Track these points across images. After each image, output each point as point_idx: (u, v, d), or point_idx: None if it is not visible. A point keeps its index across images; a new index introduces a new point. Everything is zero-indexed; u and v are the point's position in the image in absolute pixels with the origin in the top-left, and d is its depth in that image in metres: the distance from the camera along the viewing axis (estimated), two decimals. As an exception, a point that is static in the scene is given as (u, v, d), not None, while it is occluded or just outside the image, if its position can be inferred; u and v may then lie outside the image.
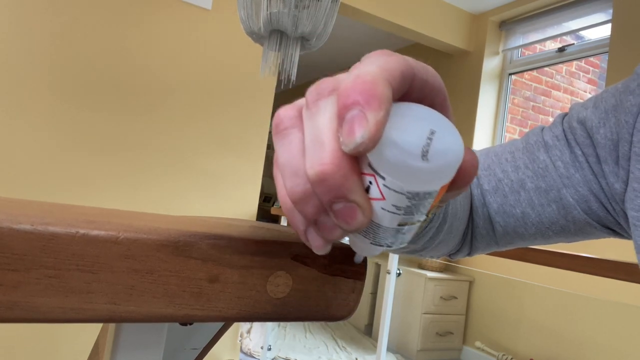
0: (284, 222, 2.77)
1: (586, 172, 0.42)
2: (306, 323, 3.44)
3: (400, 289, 3.23)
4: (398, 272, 2.03)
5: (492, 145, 3.48)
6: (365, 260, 0.34)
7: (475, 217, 0.48)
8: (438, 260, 3.28)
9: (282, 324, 3.33)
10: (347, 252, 0.33)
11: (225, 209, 2.41)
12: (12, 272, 0.23)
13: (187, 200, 2.31)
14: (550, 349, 2.67)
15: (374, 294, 3.48)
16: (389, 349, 3.10)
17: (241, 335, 2.76)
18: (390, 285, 1.99)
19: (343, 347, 3.03)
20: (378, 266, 3.50)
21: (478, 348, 3.13)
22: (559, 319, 2.64)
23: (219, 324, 0.56)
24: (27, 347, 1.96)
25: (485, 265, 3.17)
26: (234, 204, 2.44)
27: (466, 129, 3.51)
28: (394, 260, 1.99)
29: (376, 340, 3.30)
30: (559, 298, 2.65)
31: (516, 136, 3.60)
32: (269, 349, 2.60)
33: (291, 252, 0.30)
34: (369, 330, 3.46)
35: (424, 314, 3.06)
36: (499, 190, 0.47)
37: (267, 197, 6.05)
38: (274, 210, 2.95)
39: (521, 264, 2.76)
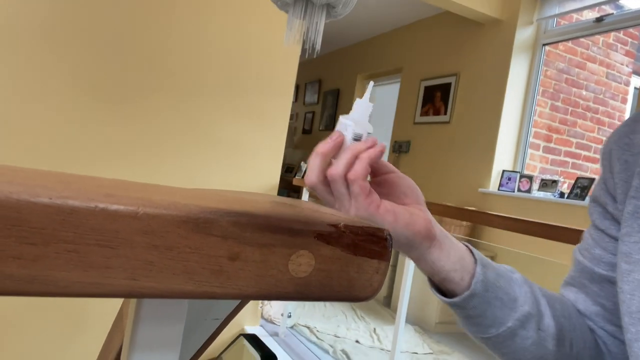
0: (305, 194, 2.78)
1: None
2: (326, 292, 3.50)
3: (420, 263, 3.23)
4: (419, 246, 2.02)
5: (520, 119, 3.38)
6: (390, 240, 0.33)
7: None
8: (459, 235, 3.26)
9: (302, 292, 3.39)
10: (372, 233, 0.32)
11: (247, 180, 2.42)
12: (30, 245, 0.22)
13: (207, 171, 2.33)
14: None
15: (394, 266, 3.49)
16: (407, 321, 3.12)
17: (262, 303, 2.82)
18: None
19: (362, 317, 3.07)
20: (399, 239, 3.49)
21: (497, 323, 3.13)
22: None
23: (240, 296, 0.55)
24: (57, 309, 2.05)
25: (507, 242, 3.14)
26: (256, 175, 2.45)
27: (494, 103, 3.41)
28: (415, 234, 1.98)
29: (395, 311, 3.33)
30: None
31: (547, 110, 3.48)
32: (289, 316, 2.66)
33: (314, 230, 0.29)
34: (388, 302, 3.49)
35: (444, 287, 3.06)
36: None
37: (289, 168, 6.06)
38: (295, 182, 2.96)
39: (544, 241, 2.72)
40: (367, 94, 0.46)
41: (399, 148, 4.34)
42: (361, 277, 0.31)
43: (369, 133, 0.45)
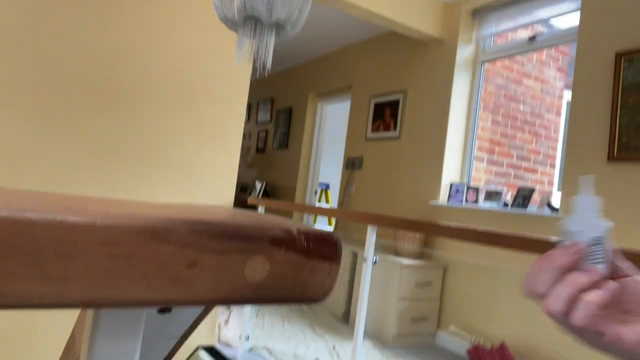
0: (260, 210, 2.77)
1: None
2: (284, 311, 3.47)
3: (376, 277, 3.28)
4: (374, 259, 2.06)
5: (465, 133, 3.54)
6: (339, 244, 0.35)
7: None
8: (413, 247, 3.34)
9: (259, 313, 3.34)
10: (323, 237, 0.34)
11: (202, 199, 2.39)
12: (-12, 259, 0.22)
13: (162, 191, 2.29)
14: (524, 332, 2.76)
15: (351, 282, 3.52)
16: (365, 336, 3.15)
17: (219, 326, 2.76)
18: (366, 273, 2.02)
19: (321, 334, 3.07)
20: (355, 255, 3.54)
21: (452, 332, 3.22)
22: (531, 302, 2.73)
23: (197, 311, 0.56)
24: (2, 337, 1.92)
25: (459, 251, 3.25)
26: (210, 194, 2.42)
27: (440, 118, 3.56)
28: (370, 248, 2.02)
29: (353, 327, 3.35)
30: (529, 281, 2.73)
31: (489, 124, 3.67)
32: (247, 339, 2.62)
33: (269, 236, 0.31)
34: (346, 318, 3.51)
35: (400, 300, 3.11)
36: None
37: (244, 187, 6.02)
38: (250, 200, 2.95)
39: (494, 250, 2.84)
40: (588, 188, 0.38)
41: (352, 164, 4.42)
42: (314, 280, 0.33)
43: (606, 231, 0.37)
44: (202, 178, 2.40)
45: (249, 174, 6.26)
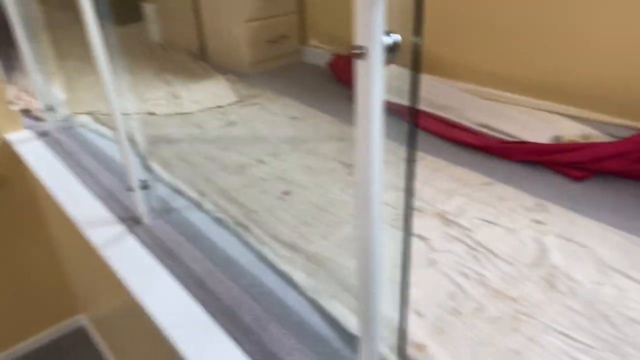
0: None
1: None
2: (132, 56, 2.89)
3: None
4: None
5: None
6: None
7: None
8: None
9: (86, 70, 2.75)
10: None
11: None
12: None
13: None
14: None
15: (197, 11, 2.88)
16: (217, 71, 2.74)
17: (14, 98, 2.22)
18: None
19: (169, 81, 2.62)
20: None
21: (314, 46, 2.87)
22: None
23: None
24: None
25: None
26: None
27: None
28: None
29: (212, 63, 2.91)
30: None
31: None
32: (51, 109, 2.12)
33: None
34: (205, 55, 3.02)
35: (248, 21, 2.60)
36: None
37: None
38: None
39: None
40: None
41: None
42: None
43: None
44: None
45: None
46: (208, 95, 2.38)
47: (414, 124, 0.60)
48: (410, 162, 0.63)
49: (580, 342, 0.95)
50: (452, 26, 2.16)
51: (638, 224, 1.31)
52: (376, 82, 0.51)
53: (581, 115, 1.81)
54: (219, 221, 1.40)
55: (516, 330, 0.98)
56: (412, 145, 0.62)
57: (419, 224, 1.35)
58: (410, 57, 0.51)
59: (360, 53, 0.49)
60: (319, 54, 2.82)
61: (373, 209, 0.62)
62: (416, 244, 1.26)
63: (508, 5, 1.93)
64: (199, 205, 1.48)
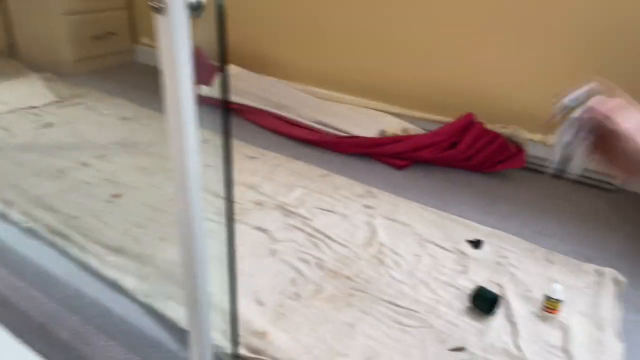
0: None
1: None
2: None
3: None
4: None
5: None
6: None
7: None
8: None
9: None
10: None
11: None
12: None
13: None
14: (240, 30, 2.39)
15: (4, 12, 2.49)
16: (33, 70, 2.41)
17: None
18: None
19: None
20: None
21: (147, 45, 2.70)
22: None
23: None
24: None
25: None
26: None
27: None
28: None
29: (23, 61, 2.53)
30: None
31: None
32: None
33: None
34: (14, 52, 2.61)
35: (68, 14, 2.34)
36: None
37: None
38: None
39: None
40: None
41: None
42: None
43: None
44: None
45: None
46: (18, 95, 2.06)
47: (226, 102, 0.58)
48: (226, 145, 0.61)
49: (405, 307, 1.03)
50: (291, 33, 2.24)
51: (449, 202, 1.50)
52: (179, 40, 0.48)
53: (401, 112, 2.02)
54: (30, 232, 1.21)
55: (350, 305, 1.03)
56: (226, 126, 0.60)
57: (260, 217, 1.34)
58: (215, 15, 0.49)
59: (158, 7, 0.46)
60: (152, 52, 2.67)
61: (192, 195, 0.59)
62: (258, 236, 1.25)
63: (341, 16, 2.08)
64: (3, 217, 1.26)
